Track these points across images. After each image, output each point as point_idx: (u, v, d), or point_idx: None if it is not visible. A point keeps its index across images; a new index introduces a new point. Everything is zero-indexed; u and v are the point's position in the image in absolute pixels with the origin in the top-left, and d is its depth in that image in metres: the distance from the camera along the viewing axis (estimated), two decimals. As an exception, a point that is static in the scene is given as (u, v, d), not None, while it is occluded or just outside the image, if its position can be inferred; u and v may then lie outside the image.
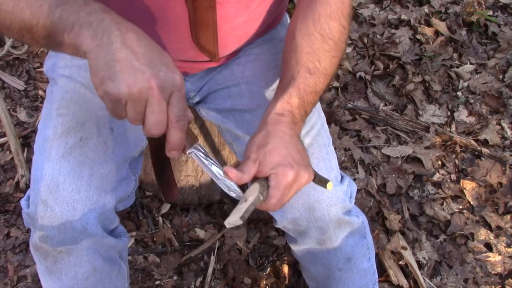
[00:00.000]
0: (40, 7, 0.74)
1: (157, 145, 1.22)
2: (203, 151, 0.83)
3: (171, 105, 0.73)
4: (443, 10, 2.50)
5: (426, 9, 2.50)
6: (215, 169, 0.82)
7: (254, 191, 0.81)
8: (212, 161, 0.83)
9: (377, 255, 1.60)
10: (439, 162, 1.94)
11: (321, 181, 0.90)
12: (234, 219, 0.78)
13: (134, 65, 0.70)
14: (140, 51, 0.71)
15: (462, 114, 2.11)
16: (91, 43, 0.70)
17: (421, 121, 2.06)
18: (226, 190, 0.83)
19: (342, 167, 1.89)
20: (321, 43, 0.94)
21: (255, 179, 0.84)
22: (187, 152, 0.81)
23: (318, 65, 0.92)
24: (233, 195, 0.83)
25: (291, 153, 0.83)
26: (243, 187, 0.84)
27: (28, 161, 1.78)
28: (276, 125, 0.86)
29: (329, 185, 0.90)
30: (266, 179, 0.83)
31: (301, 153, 0.85)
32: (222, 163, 1.59)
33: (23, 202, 1.05)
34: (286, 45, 0.99)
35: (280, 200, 0.82)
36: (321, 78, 0.93)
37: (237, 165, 0.83)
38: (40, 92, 2.06)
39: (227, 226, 0.79)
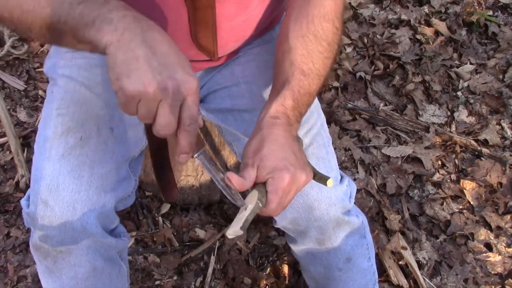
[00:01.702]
0: (61, 4, 0.74)
1: (156, 145, 1.23)
2: (209, 156, 0.83)
3: (184, 108, 0.72)
4: (443, 10, 2.50)
5: (426, 9, 2.50)
6: (220, 175, 0.83)
7: (253, 199, 0.81)
8: (217, 167, 0.83)
9: (377, 255, 1.59)
10: (439, 162, 1.94)
11: (321, 178, 0.90)
12: (235, 230, 0.78)
13: (152, 65, 0.69)
14: (160, 50, 0.71)
15: (462, 114, 2.11)
16: (112, 38, 0.70)
17: (421, 121, 2.06)
18: (230, 199, 0.83)
19: (342, 167, 1.89)
20: (315, 45, 0.94)
21: (254, 185, 0.84)
22: (194, 156, 0.81)
23: (312, 66, 0.93)
24: (238, 203, 0.83)
25: (286, 155, 0.83)
26: (244, 194, 0.84)
27: (28, 161, 1.78)
28: (271, 129, 0.86)
29: (329, 182, 0.90)
30: (264, 184, 0.83)
31: (297, 154, 0.85)
32: (222, 164, 1.59)
33: (23, 202, 1.05)
34: (278, 46, 0.99)
35: (280, 204, 0.82)
36: (315, 80, 0.93)
37: (238, 167, 0.84)
38: (40, 92, 2.06)
39: (229, 237, 0.79)
